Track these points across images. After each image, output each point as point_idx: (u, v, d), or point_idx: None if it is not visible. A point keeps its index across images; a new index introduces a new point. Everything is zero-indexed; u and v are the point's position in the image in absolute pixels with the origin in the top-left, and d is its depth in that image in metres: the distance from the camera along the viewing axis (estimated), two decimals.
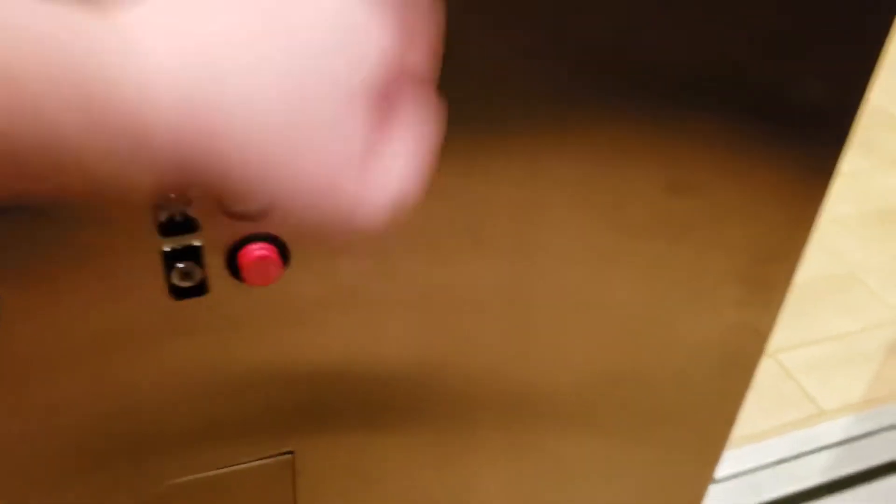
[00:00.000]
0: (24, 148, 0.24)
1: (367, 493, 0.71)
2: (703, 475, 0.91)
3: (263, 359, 0.58)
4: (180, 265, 0.52)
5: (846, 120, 0.62)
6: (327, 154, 0.29)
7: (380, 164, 0.31)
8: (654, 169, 0.61)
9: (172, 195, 0.48)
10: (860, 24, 0.58)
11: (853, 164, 2.35)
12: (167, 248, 0.51)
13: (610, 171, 0.60)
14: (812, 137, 0.64)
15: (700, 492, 0.94)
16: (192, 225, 0.51)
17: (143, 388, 0.57)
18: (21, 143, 0.24)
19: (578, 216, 0.62)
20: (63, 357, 0.53)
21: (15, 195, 0.26)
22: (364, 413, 0.65)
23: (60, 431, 0.57)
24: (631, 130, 0.59)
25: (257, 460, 0.64)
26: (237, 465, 0.64)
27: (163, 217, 0.50)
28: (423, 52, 0.33)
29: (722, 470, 1.56)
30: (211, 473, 0.64)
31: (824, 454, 1.60)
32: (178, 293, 0.53)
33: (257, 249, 0.52)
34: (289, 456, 0.65)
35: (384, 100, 0.30)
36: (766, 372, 1.75)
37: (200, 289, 0.53)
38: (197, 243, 0.52)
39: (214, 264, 0.53)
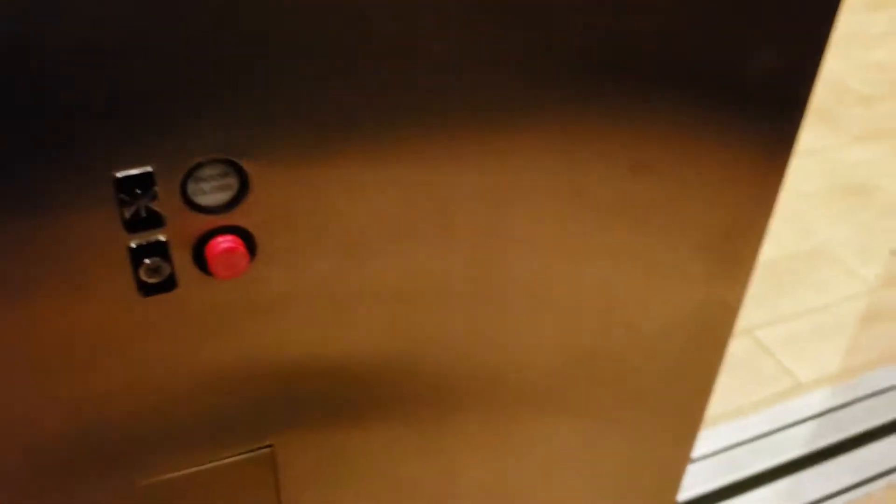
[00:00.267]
0: None
1: (349, 482, 0.71)
2: (682, 450, 0.92)
3: (236, 353, 0.59)
4: (147, 261, 0.52)
5: (802, 93, 0.64)
6: None
7: None
8: (616, 150, 0.62)
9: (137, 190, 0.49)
10: None
11: (819, 140, 2.37)
12: (133, 245, 0.52)
13: (574, 154, 0.61)
14: (769, 113, 0.65)
15: (680, 466, 0.95)
16: (157, 220, 0.51)
17: (116, 388, 0.57)
18: None
19: (545, 199, 0.62)
20: (32, 358, 0.54)
21: None
22: (340, 403, 0.66)
23: (33, 432, 0.57)
24: (592, 114, 0.60)
25: (236, 455, 0.65)
26: (216, 461, 0.65)
27: (128, 213, 0.50)
28: None
29: (702, 448, 1.57)
30: (190, 471, 0.64)
31: (804, 426, 1.62)
32: (147, 289, 0.53)
33: (223, 242, 0.53)
34: (268, 449, 0.66)
35: None
36: (742, 349, 1.77)
37: (169, 284, 0.54)
38: (163, 238, 0.52)
39: (182, 260, 0.53)
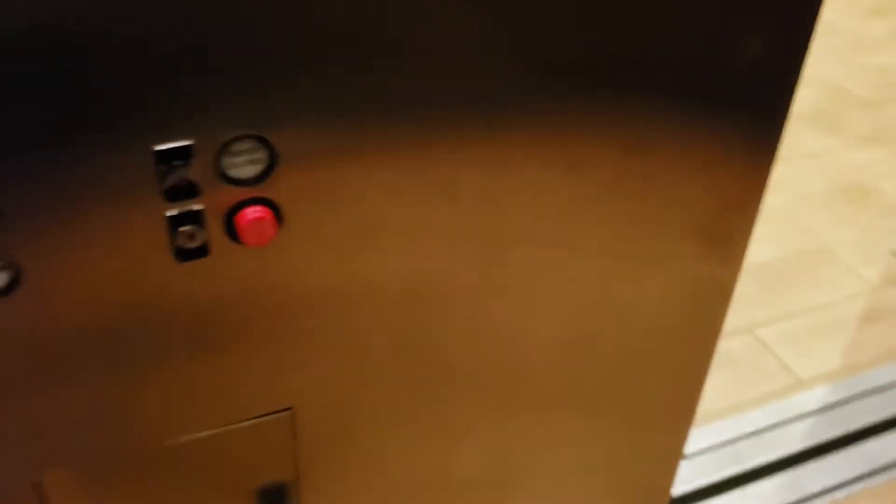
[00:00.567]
0: None
1: (363, 446, 0.75)
2: (677, 436, 0.96)
3: (260, 317, 0.63)
4: (184, 228, 0.56)
5: (789, 79, 0.67)
6: None
7: None
8: (612, 132, 0.66)
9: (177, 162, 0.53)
10: None
11: (821, 143, 2.41)
12: (172, 213, 0.55)
13: (571, 140, 0.65)
14: (758, 100, 0.69)
15: (675, 453, 0.98)
16: (193, 190, 0.55)
17: (147, 350, 0.61)
18: None
19: (542, 177, 0.66)
20: (76, 319, 0.57)
21: None
22: (355, 371, 0.69)
23: (65, 393, 0.61)
24: (590, 104, 0.63)
25: (256, 418, 0.69)
26: (238, 423, 0.68)
27: (168, 184, 0.54)
28: None
29: (703, 441, 1.61)
30: (212, 432, 0.68)
31: (804, 422, 1.65)
32: (182, 255, 0.57)
33: (253, 212, 0.57)
34: (288, 412, 0.70)
35: None
36: (743, 347, 1.80)
37: (202, 251, 0.58)
38: (199, 207, 0.56)
39: (214, 228, 0.57)
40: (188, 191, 0.55)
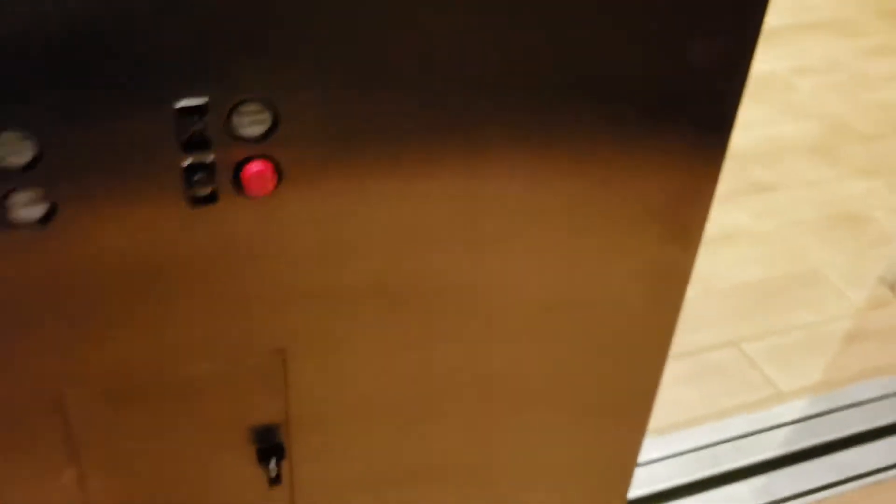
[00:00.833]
0: None
1: (351, 388, 0.84)
2: (639, 416, 1.04)
3: (258, 262, 0.72)
4: (197, 177, 0.66)
5: (738, 74, 0.77)
6: None
7: None
8: (576, 123, 0.75)
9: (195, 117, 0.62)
10: None
11: (818, 173, 2.49)
12: (187, 163, 0.65)
13: (538, 122, 0.74)
14: (709, 97, 0.78)
15: (634, 445, 1.06)
16: (206, 144, 0.65)
17: (157, 286, 0.70)
18: None
19: (515, 158, 0.75)
20: (100, 252, 0.67)
21: None
22: (345, 315, 0.78)
23: (85, 318, 0.70)
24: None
25: (249, 356, 0.78)
26: (231, 361, 0.77)
27: (185, 137, 0.64)
28: None
29: (683, 444, 1.68)
30: (209, 367, 0.77)
31: (781, 430, 1.72)
32: (195, 201, 0.67)
33: (256, 166, 0.66)
34: (279, 354, 0.79)
35: None
36: (728, 359, 1.88)
37: (212, 198, 0.67)
38: (210, 160, 0.65)
39: (222, 180, 0.67)
40: (202, 144, 0.64)
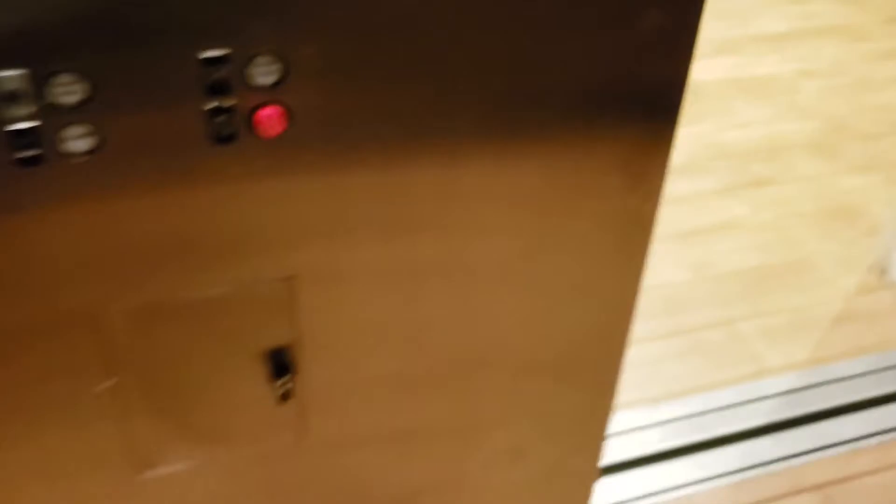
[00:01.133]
0: None
1: (358, 315, 0.96)
2: (611, 368, 1.15)
3: (272, 197, 0.84)
4: (219, 118, 0.78)
5: (686, 41, 0.88)
6: None
7: None
8: (543, 93, 0.87)
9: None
10: None
11: (816, 168, 2.59)
12: (210, 106, 0.78)
13: (509, 89, 0.86)
14: (660, 67, 0.89)
15: (609, 386, 1.17)
16: (227, 89, 0.77)
17: (183, 214, 0.83)
18: None
19: (486, 120, 0.87)
20: (136, 181, 0.80)
21: None
22: (350, 247, 0.91)
23: (119, 236, 0.83)
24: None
25: (260, 282, 0.90)
26: (244, 285, 0.90)
27: (208, 82, 0.76)
28: None
29: (671, 412, 1.79)
30: (227, 290, 0.89)
31: (767, 402, 1.82)
32: (217, 140, 0.79)
33: (268, 110, 0.79)
34: (291, 280, 0.91)
35: None
36: (721, 337, 1.98)
37: (232, 137, 0.79)
38: (230, 104, 0.78)
39: (240, 123, 0.79)
40: (223, 89, 0.77)
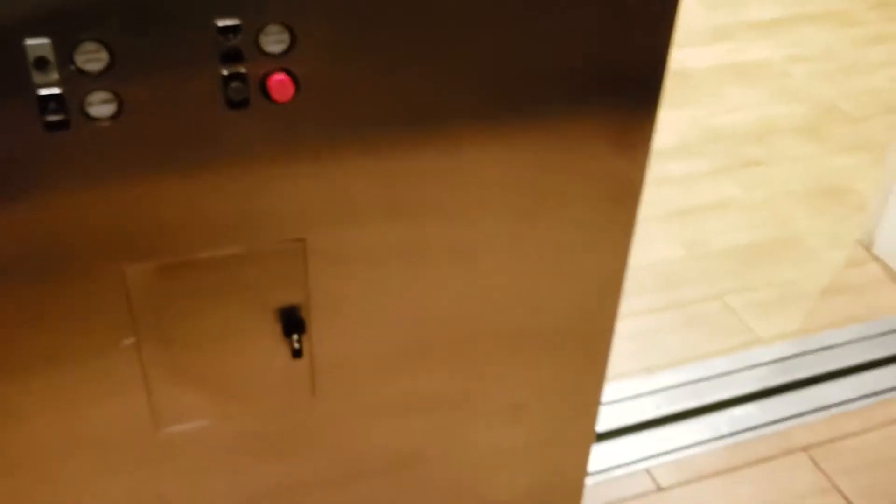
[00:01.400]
0: None
1: (364, 277, 1.02)
2: (605, 320, 1.21)
3: (283, 160, 0.90)
4: (233, 84, 0.84)
5: (667, 16, 0.95)
6: None
7: None
8: (533, 73, 0.94)
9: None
10: None
11: (807, 149, 2.65)
12: (225, 73, 0.84)
13: (501, 71, 0.92)
14: (643, 43, 0.96)
15: (603, 349, 1.23)
16: (240, 57, 0.83)
17: (200, 175, 0.89)
18: None
19: (482, 101, 0.94)
20: (154, 144, 0.86)
21: None
22: (357, 212, 0.97)
23: (141, 199, 0.89)
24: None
25: (272, 243, 0.96)
26: (259, 245, 0.96)
27: (223, 50, 0.82)
28: None
29: (668, 380, 1.85)
30: (237, 250, 0.95)
31: (757, 369, 1.89)
32: (232, 105, 0.85)
33: (279, 76, 0.85)
34: (301, 243, 0.97)
35: None
36: (713, 311, 2.04)
37: (245, 102, 0.86)
38: (243, 71, 0.84)
39: (253, 89, 0.85)
40: (236, 56, 0.83)
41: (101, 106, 0.82)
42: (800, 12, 3.53)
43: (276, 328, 1.03)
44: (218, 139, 0.88)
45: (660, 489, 1.63)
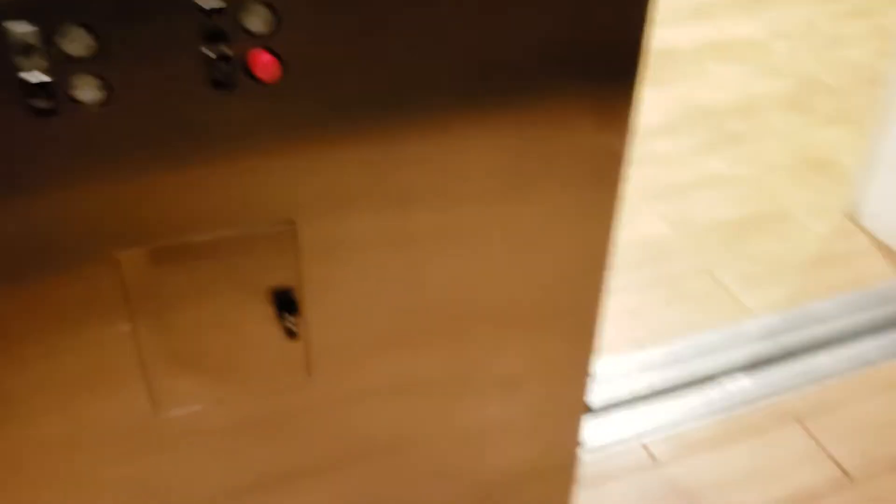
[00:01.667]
0: None
1: (355, 257, 1.03)
2: (594, 293, 1.22)
3: (272, 136, 0.91)
4: (219, 65, 0.85)
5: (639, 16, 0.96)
6: None
7: None
8: (512, 54, 0.94)
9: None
10: None
11: (791, 123, 2.67)
12: (210, 54, 0.84)
13: (486, 42, 0.93)
14: (620, 20, 0.97)
15: (591, 323, 1.24)
16: (225, 38, 0.84)
17: (187, 158, 0.90)
18: None
19: (464, 84, 0.94)
20: (143, 128, 0.86)
21: None
22: (346, 195, 0.97)
23: (135, 184, 0.89)
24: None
25: (263, 226, 0.96)
26: (249, 228, 0.96)
27: (207, 31, 0.83)
28: None
29: (657, 355, 1.87)
30: (228, 233, 0.95)
31: (747, 341, 1.90)
32: (218, 86, 0.86)
33: (264, 56, 0.85)
34: (291, 224, 0.98)
35: None
36: (702, 285, 2.06)
37: (231, 83, 0.86)
38: (228, 52, 0.84)
39: (239, 70, 0.86)
40: (221, 37, 0.83)
41: (87, 91, 0.83)
42: None
43: (271, 310, 1.04)
44: (207, 122, 0.88)
45: (655, 462, 1.65)
